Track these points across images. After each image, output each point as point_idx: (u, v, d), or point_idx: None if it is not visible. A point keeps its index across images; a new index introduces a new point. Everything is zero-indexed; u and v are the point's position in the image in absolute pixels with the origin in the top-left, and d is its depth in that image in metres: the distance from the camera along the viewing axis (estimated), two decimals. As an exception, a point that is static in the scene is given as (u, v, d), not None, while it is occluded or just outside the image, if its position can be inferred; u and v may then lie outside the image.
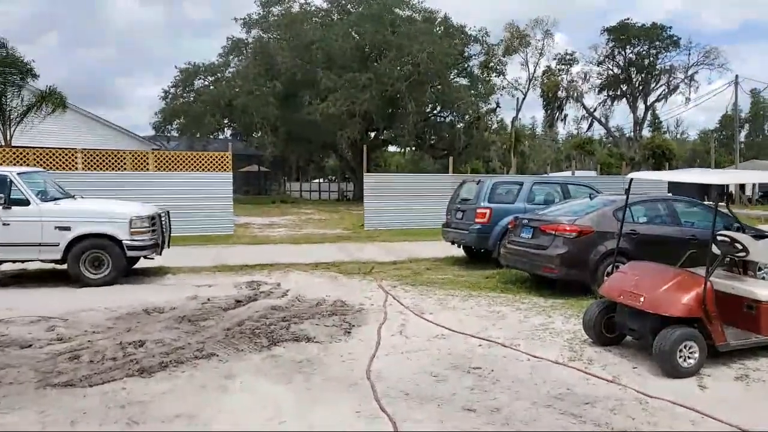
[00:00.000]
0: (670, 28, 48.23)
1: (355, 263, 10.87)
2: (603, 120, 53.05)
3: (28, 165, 13.43)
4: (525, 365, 5.07)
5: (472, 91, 35.84)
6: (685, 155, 71.78)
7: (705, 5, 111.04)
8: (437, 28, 34.01)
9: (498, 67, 39.19)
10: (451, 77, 35.95)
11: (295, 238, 15.53)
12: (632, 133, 51.52)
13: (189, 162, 15.95)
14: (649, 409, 4.10)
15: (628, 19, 47.94)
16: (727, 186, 5.71)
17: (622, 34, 47.26)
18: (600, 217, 7.75)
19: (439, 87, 33.01)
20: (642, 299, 4.98)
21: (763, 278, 6.92)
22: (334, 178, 54.36)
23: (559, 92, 49.98)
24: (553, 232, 7.71)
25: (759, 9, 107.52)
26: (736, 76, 35.48)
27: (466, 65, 37.89)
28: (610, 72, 49.86)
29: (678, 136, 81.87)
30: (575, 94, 49.92)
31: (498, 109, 41.08)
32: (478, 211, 10.25)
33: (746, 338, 5.02)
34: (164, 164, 15.81)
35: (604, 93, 50.88)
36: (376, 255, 12.10)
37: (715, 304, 4.82)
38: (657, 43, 47.48)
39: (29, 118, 19.72)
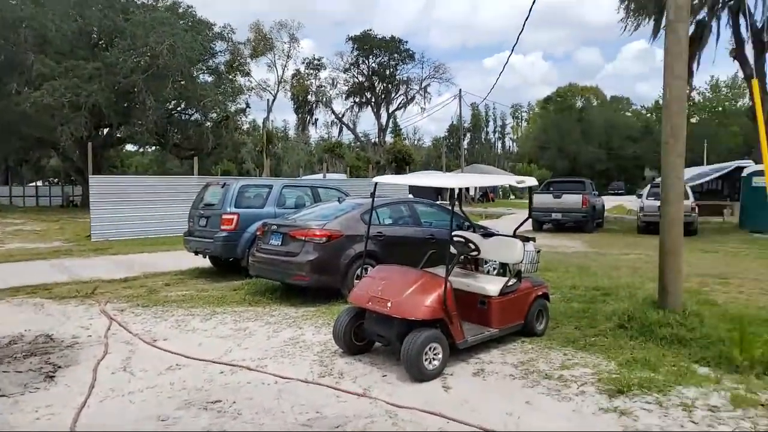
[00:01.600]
0: (407, 42, 53.61)
1: (73, 284, 9.04)
2: (351, 125, 56.24)
3: None
4: (272, 390, 4.53)
5: (220, 90, 34.24)
6: (422, 160, 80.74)
7: (433, 25, 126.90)
8: (182, 20, 31.56)
9: (243, 68, 38.22)
10: (196, 74, 33.82)
11: (-5, 256, 12.51)
12: (377, 139, 55.67)
13: None
14: (399, 422, 3.91)
15: (370, 30, 51.60)
16: (467, 189, 6.06)
17: (365, 44, 50.68)
18: (348, 221, 7.65)
19: (182, 82, 30.54)
20: (389, 304, 4.86)
21: (488, 272, 7.62)
22: (57, 180, 46.60)
23: (309, 96, 51.37)
24: (303, 238, 7.35)
25: (474, 32, 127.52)
26: (460, 90, 40.83)
27: (211, 62, 36.08)
28: (356, 79, 53.10)
29: (416, 142, 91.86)
30: (324, 99, 51.89)
31: (248, 109, 40.20)
32: (224, 217, 9.40)
33: (481, 333, 5.28)
34: None
35: (351, 99, 53.97)
36: (104, 271, 10.33)
37: (455, 303, 4.94)
38: (396, 55, 52.14)
39: None
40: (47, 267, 10.92)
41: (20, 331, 6.16)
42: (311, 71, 49.35)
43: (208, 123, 34.17)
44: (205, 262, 10.68)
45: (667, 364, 4.93)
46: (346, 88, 51.98)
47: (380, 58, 51.45)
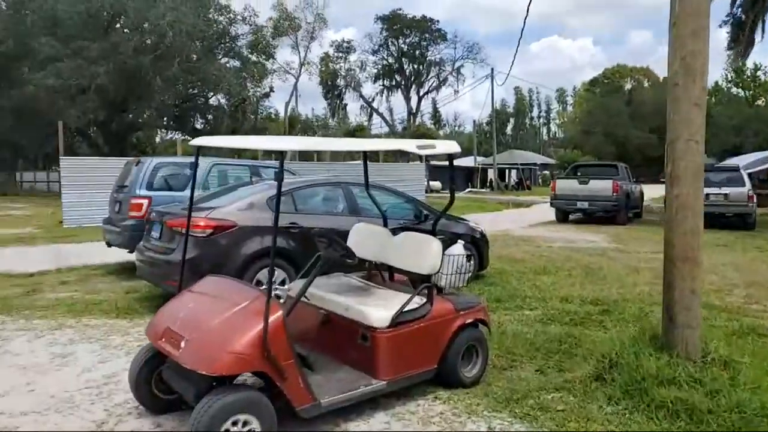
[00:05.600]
0: (438, 21, 50.79)
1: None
2: (384, 110, 54.13)
3: None
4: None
5: (244, 74, 32.64)
6: (464, 146, 77.83)
7: (472, 11, 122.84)
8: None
9: (267, 50, 36.44)
10: (219, 57, 32.34)
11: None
12: (407, 123, 53.34)
13: None
14: None
15: (399, 9, 49.13)
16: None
17: (394, 24, 48.34)
18: (247, 207, 5.75)
19: (195, 63, 28.82)
20: (182, 344, 2.96)
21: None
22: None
23: (338, 80, 49.58)
24: (180, 230, 5.51)
25: (515, 17, 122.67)
26: (492, 69, 38.87)
27: (233, 45, 34.50)
28: (386, 62, 50.86)
29: (456, 128, 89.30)
30: (353, 83, 49.94)
31: (272, 93, 38.59)
32: (133, 201, 7.69)
33: (355, 388, 3.27)
34: None
35: (380, 82, 51.77)
36: (26, 263, 8.77)
37: (291, 344, 2.99)
38: (427, 35, 49.54)
39: None
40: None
41: None
42: (341, 54, 47.56)
43: (225, 107, 32.78)
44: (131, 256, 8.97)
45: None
46: (375, 71, 49.86)
47: (410, 39, 48.90)
